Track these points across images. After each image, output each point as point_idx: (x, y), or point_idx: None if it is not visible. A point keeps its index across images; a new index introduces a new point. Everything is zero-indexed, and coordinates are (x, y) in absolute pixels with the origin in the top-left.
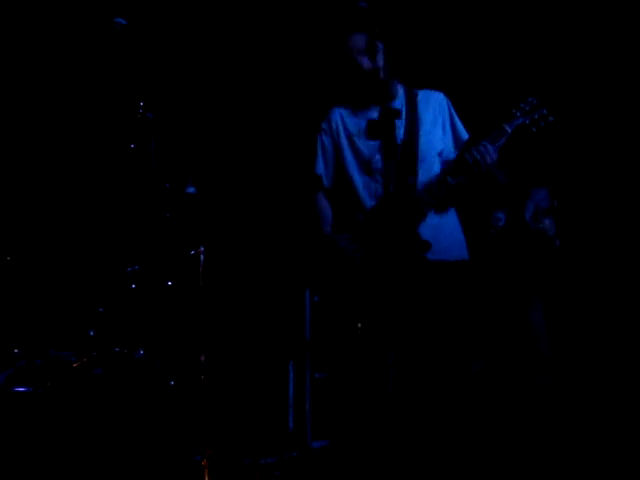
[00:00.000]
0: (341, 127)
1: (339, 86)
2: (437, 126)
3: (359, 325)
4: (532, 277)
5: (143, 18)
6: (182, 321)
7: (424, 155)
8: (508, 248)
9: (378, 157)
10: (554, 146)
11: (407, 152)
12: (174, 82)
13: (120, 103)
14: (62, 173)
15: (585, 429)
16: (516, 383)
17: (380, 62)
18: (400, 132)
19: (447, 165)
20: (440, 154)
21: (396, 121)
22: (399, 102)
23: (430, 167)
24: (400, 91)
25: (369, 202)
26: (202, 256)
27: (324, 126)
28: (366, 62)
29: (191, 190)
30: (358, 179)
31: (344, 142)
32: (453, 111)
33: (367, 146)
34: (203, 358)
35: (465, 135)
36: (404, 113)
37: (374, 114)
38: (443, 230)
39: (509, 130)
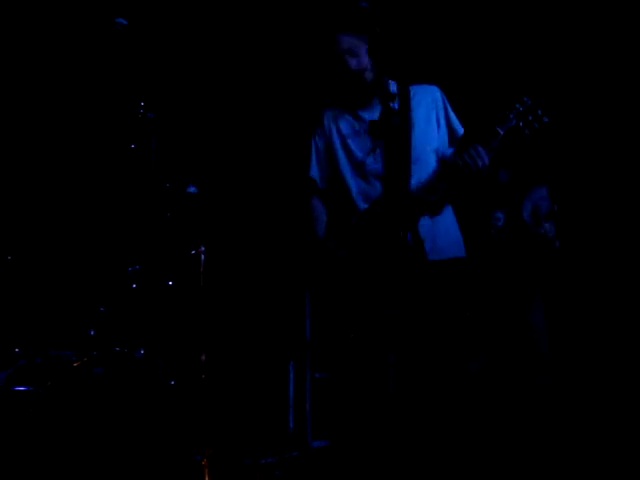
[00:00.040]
0: (334, 128)
1: (331, 87)
2: (431, 122)
3: (352, 336)
4: (532, 277)
5: (144, 18)
6: (183, 321)
7: (418, 155)
8: (507, 248)
9: (371, 159)
10: (553, 145)
11: (400, 153)
12: (175, 82)
13: (121, 103)
14: (63, 173)
15: (585, 429)
16: (515, 383)
17: (367, 62)
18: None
19: (440, 166)
20: (436, 151)
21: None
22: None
23: (425, 166)
24: (393, 88)
25: (362, 205)
26: (203, 256)
27: (317, 128)
28: (354, 63)
29: (192, 190)
30: (351, 181)
31: (337, 143)
32: (448, 105)
33: (360, 147)
34: (203, 358)
35: (460, 129)
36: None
37: (366, 114)
38: (440, 229)
39: (501, 132)
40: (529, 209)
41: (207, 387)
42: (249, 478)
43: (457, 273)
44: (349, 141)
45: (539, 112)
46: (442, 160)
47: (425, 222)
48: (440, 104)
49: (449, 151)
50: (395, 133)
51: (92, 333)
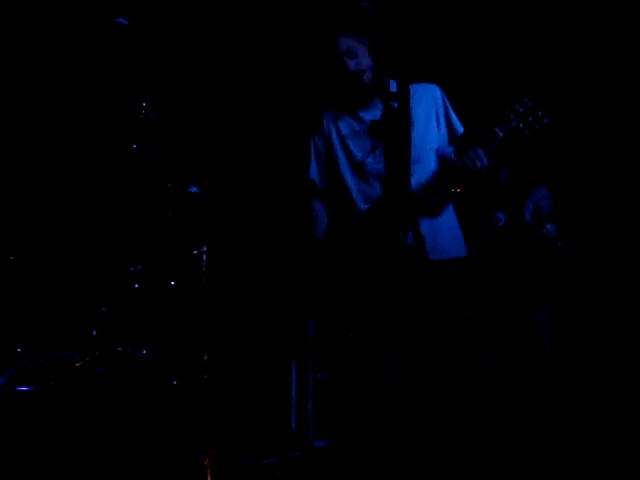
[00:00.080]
0: (333, 129)
1: (330, 88)
2: (431, 121)
3: (351, 335)
4: (534, 277)
5: (145, 18)
6: (185, 321)
7: (418, 155)
8: (509, 248)
9: (371, 159)
10: (554, 145)
11: (400, 153)
12: (176, 82)
13: (122, 103)
14: (65, 173)
15: (587, 429)
16: (518, 383)
17: (366, 64)
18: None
19: (440, 166)
20: (436, 150)
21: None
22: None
23: (425, 166)
24: (393, 87)
25: (363, 205)
26: (205, 256)
27: (317, 129)
28: (352, 64)
29: (194, 190)
30: (351, 182)
31: (336, 144)
32: (448, 103)
33: (360, 148)
34: (206, 358)
35: (460, 128)
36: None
37: (366, 115)
38: (440, 229)
39: (501, 134)
40: (530, 209)
41: (209, 387)
42: (251, 478)
43: (458, 273)
44: (349, 142)
45: (539, 113)
46: (442, 160)
47: (426, 222)
48: (440, 102)
49: (449, 150)
50: (395, 132)
51: (94, 333)
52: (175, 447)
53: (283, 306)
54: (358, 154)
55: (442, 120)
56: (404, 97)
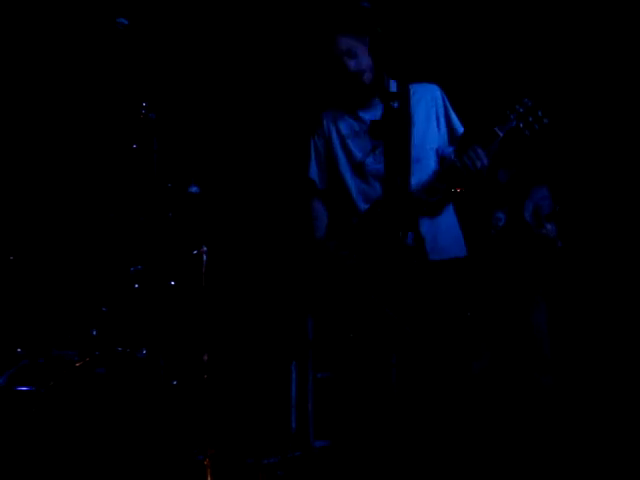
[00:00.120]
0: (333, 129)
1: (330, 88)
2: (431, 121)
3: (351, 335)
4: (534, 278)
5: (145, 18)
6: (185, 321)
7: (418, 155)
8: (509, 248)
9: (371, 159)
10: (554, 145)
11: (401, 153)
12: (176, 82)
13: (122, 103)
14: (65, 173)
15: (586, 430)
16: (518, 383)
17: (366, 64)
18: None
19: (440, 167)
20: (436, 150)
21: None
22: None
23: (425, 166)
24: (393, 87)
25: (363, 205)
26: (205, 256)
27: (317, 129)
28: (352, 64)
29: (194, 190)
30: (351, 182)
31: (336, 144)
32: (448, 103)
33: (360, 148)
34: (206, 358)
35: (460, 128)
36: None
37: (366, 115)
38: (440, 228)
39: (501, 134)
40: (530, 209)
41: (209, 387)
42: (251, 478)
43: (458, 273)
44: (349, 141)
45: (539, 113)
46: (442, 160)
47: (426, 222)
48: (440, 102)
49: (449, 150)
50: (395, 132)
51: (94, 333)
52: (175, 447)
53: (283, 306)
54: (358, 154)
55: (442, 120)
56: (404, 97)
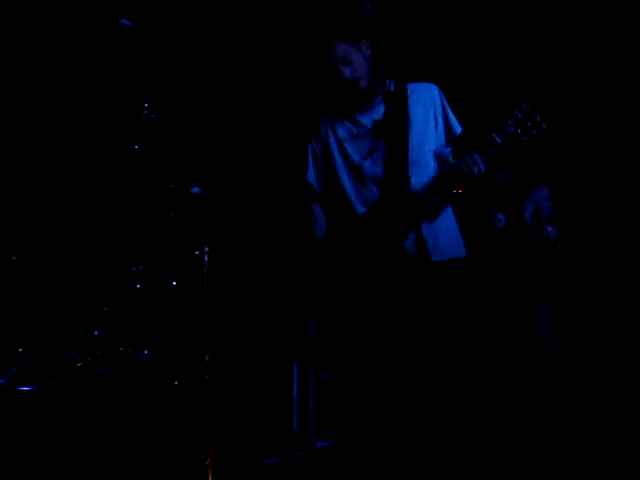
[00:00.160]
0: (330, 133)
1: (327, 93)
2: (429, 122)
3: (352, 336)
4: (535, 278)
5: (147, 19)
6: (186, 321)
7: (416, 156)
8: (509, 249)
9: (369, 162)
10: (553, 147)
11: (399, 154)
12: (178, 83)
13: (124, 104)
14: (67, 173)
15: (588, 431)
16: (519, 384)
17: (362, 70)
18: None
19: (437, 170)
20: (434, 151)
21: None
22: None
23: (424, 168)
24: (391, 87)
25: (361, 209)
26: (206, 256)
27: (314, 133)
28: (347, 72)
29: (195, 190)
30: (349, 185)
31: (334, 148)
32: (445, 103)
33: (357, 151)
34: (207, 358)
35: (458, 128)
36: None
37: (364, 118)
38: (440, 229)
39: (499, 140)
40: (530, 210)
41: (211, 387)
42: (253, 478)
43: (458, 273)
44: (346, 145)
45: (538, 119)
46: (439, 162)
47: (425, 223)
48: (438, 102)
49: (446, 151)
50: (393, 132)
51: (96, 333)
52: (177, 447)
53: (285, 306)
54: (355, 157)
55: (440, 119)
56: (402, 96)
